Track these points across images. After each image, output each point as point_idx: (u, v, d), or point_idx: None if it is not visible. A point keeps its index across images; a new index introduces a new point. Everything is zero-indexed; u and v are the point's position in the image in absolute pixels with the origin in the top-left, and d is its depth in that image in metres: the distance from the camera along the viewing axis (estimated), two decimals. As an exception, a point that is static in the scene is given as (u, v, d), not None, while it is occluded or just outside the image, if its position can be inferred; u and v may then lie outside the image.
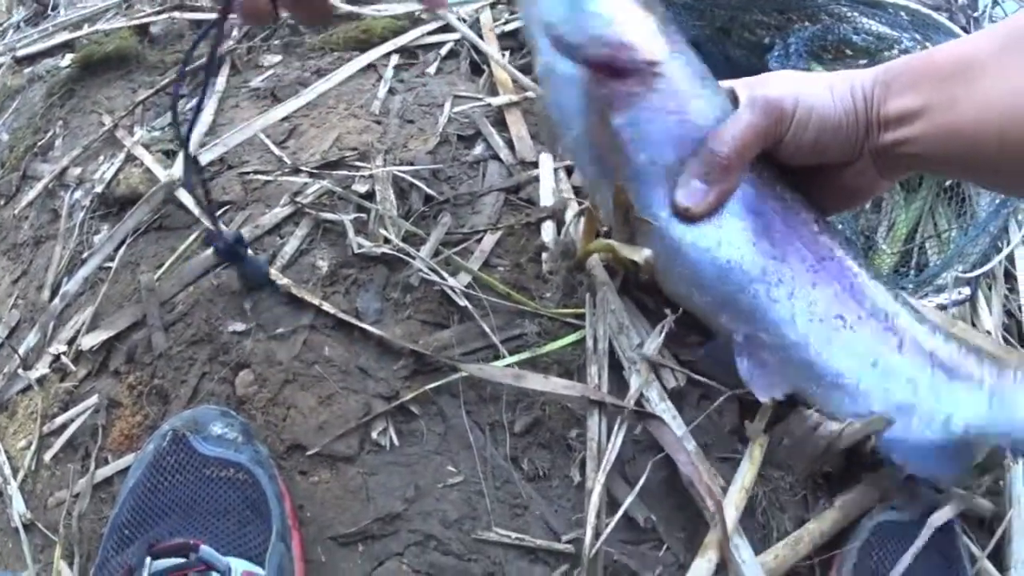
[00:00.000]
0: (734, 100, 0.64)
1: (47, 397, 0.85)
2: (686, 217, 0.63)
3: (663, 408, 0.64)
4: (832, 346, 0.63)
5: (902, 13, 1.07)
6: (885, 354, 0.63)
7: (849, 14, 1.03)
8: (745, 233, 0.64)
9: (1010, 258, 0.97)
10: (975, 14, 1.30)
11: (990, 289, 0.96)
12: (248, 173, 0.87)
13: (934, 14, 1.09)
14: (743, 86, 0.64)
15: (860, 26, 1.03)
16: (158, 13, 1.20)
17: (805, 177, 0.66)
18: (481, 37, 0.98)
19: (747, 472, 0.63)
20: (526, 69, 0.93)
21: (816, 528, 0.65)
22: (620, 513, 0.61)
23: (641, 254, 0.62)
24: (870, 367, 0.63)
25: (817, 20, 1.03)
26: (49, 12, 1.52)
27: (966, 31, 1.17)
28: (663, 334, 0.65)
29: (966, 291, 0.85)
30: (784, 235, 0.64)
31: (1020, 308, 0.96)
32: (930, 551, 0.65)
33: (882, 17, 1.05)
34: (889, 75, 0.60)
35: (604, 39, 0.62)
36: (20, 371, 0.88)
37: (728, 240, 0.63)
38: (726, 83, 0.67)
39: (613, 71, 0.62)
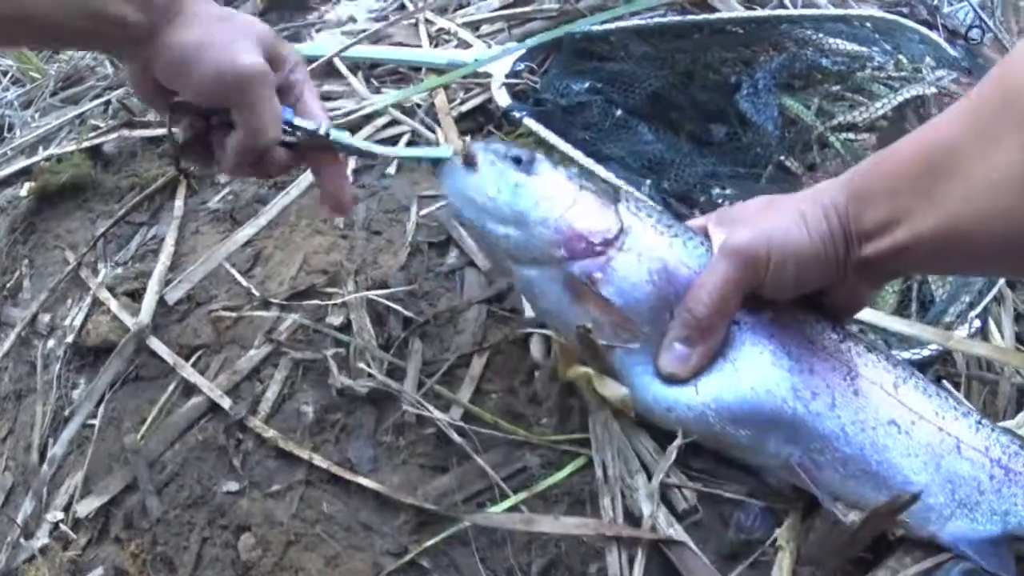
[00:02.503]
0: (706, 238, 0.64)
1: (53, 567, 0.82)
2: (673, 382, 0.62)
3: (674, 532, 0.61)
4: (892, 453, 0.62)
5: (867, 24, 1.03)
6: (945, 456, 0.63)
7: (814, 36, 1.00)
8: (762, 356, 0.63)
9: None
10: (933, 2, 1.26)
11: (999, 305, 0.93)
12: (217, 310, 0.83)
13: (899, 18, 1.06)
14: (714, 226, 0.63)
15: (827, 47, 1.00)
16: (109, 131, 1.16)
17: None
18: (438, 122, 0.94)
19: (777, 585, 0.60)
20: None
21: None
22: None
23: (618, 392, 0.61)
24: (935, 470, 0.63)
25: (782, 48, 1.00)
26: (5, 134, 1.50)
27: (929, 24, 1.14)
28: (671, 459, 0.62)
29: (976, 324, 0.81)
30: (806, 348, 0.63)
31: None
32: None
33: (848, 33, 1.01)
34: (860, 185, 0.58)
35: (559, 239, 0.63)
36: (22, 540, 0.86)
37: (745, 368, 0.62)
38: (696, 222, 0.66)
39: (583, 256, 0.63)
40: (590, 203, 0.65)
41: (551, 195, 0.65)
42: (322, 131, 0.63)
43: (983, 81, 0.53)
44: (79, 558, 0.80)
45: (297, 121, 0.63)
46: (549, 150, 0.87)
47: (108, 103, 1.33)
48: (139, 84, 0.63)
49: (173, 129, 0.65)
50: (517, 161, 0.66)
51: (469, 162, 0.66)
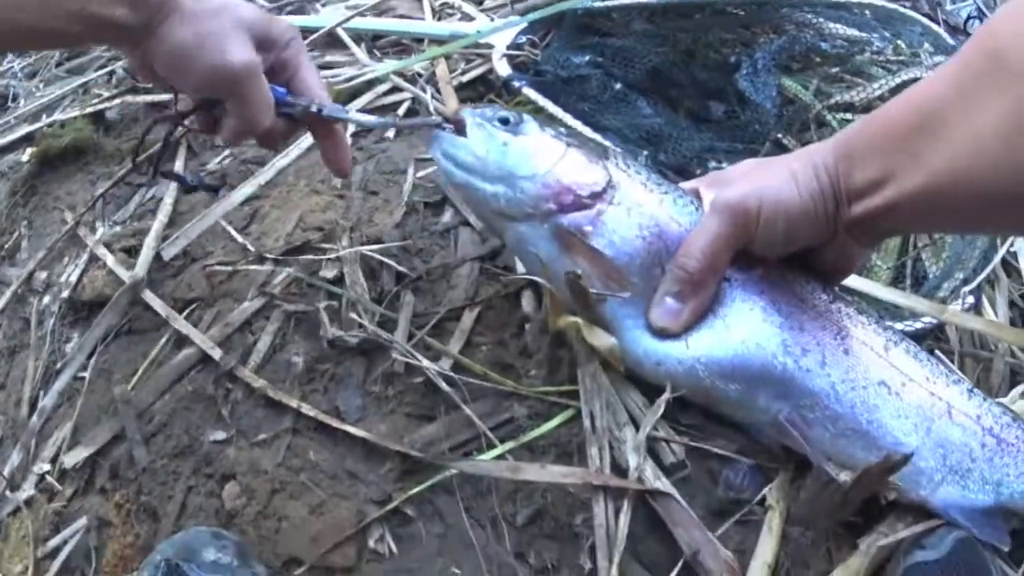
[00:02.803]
0: (697, 200, 0.64)
1: (37, 519, 0.82)
2: (664, 336, 0.62)
3: (661, 485, 0.61)
4: (882, 413, 0.62)
5: (867, 12, 1.04)
6: (936, 420, 0.63)
7: (814, 20, 1.00)
8: (753, 312, 0.63)
9: (1011, 253, 0.94)
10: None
11: (993, 288, 0.92)
12: (212, 265, 0.84)
13: (899, 7, 1.06)
14: (705, 187, 0.64)
15: (827, 31, 1.00)
16: (112, 98, 1.17)
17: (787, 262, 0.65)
18: (438, 91, 0.95)
19: (768, 546, 0.60)
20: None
21: (843, 576, 0.61)
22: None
23: (607, 342, 0.61)
24: (925, 433, 0.63)
25: (782, 31, 1.00)
26: (9, 104, 1.51)
27: (931, 18, 1.14)
28: (659, 412, 0.61)
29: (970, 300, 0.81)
30: (796, 306, 0.64)
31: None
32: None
33: (848, 19, 1.02)
34: (849, 145, 0.58)
35: (547, 193, 0.64)
36: (8, 493, 0.86)
37: (736, 323, 0.63)
38: (688, 184, 0.67)
39: (572, 208, 0.64)
40: (577, 158, 0.65)
41: (539, 152, 0.65)
42: (314, 109, 0.65)
43: (968, 42, 0.54)
44: (64, 509, 0.80)
45: (291, 99, 0.65)
46: (548, 119, 0.88)
47: (112, 73, 1.33)
48: (140, 70, 0.65)
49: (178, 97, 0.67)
50: (505, 122, 0.67)
51: (459, 127, 0.67)
